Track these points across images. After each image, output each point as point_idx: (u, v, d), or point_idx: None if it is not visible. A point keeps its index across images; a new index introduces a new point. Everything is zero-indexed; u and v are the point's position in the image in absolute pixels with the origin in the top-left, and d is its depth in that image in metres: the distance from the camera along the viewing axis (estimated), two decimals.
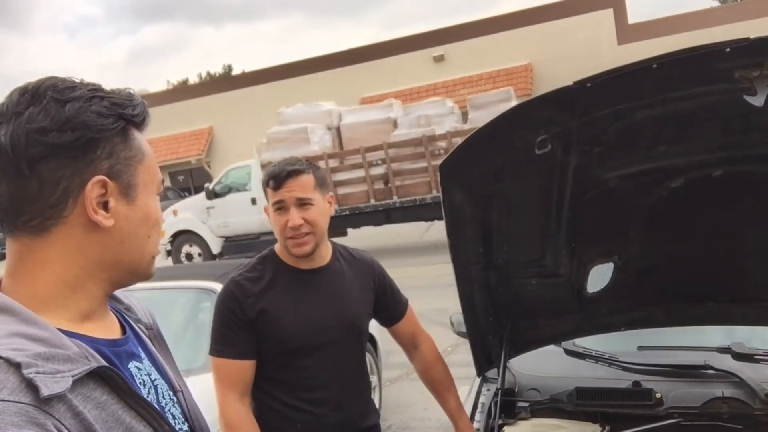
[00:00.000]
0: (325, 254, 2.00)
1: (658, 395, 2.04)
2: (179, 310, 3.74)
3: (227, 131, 25.50)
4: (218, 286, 3.37)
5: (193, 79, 48.02)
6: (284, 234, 1.88)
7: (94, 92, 0.88)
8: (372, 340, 4.80)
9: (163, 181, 1.02)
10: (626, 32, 21.29)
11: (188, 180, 27.00)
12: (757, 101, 1.46)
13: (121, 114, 0.89)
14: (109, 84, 0.93)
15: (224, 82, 29.27)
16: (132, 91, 0.94)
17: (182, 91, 29.11)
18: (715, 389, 2.01)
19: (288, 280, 1.93)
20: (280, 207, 1.88)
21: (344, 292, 1.99)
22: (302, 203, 1.87)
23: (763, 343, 2.28)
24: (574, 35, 21.36)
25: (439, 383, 2.14)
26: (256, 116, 24.75)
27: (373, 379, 4.76)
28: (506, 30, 22.16)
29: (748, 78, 1.46)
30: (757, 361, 2.13)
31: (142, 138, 0.96)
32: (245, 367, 1.87)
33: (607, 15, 21.44)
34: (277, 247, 2.00)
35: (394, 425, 4.66)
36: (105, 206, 0.88)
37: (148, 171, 0.95)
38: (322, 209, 1.93)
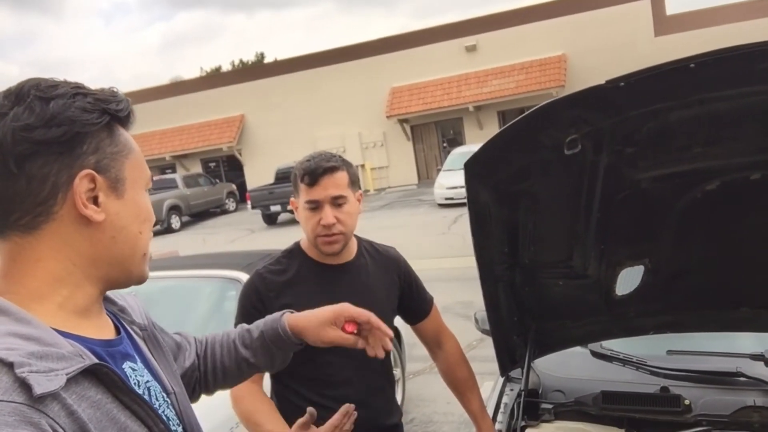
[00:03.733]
0: (351, 250, 1.99)
1: (686, 401, 1.99)
2: (205, 299, 3.77)
3: (258, 119, 25.70)
4: (244, 276, 3.39)
5: (226, 67, 48.45)
6: (315, 232, 1.86)
7: (77, 89, 0.89)
8: (396, 332, 4.79)
9: (152, 178, 1.02)
10: (664, 24, 20.84)
11: (219, 167, 27.29)
12: None
13: (105, 109, 0.90)
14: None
15: (256, 70, 29.42)
16: (115, 89, 0.95)
17: (215, 79, 29.36)
18: (747, 397, 1.95)
19: (313, 275, 1.92)
20: (315, 206, 1.85)
21: (369, 288, 1.96)
22: (336, 202, 1.85)
23: None
24: (610, 26, 20.98)
25: (463, 383, 2.12)
26: (286, 104, 24.91)
27: (397, 372, 4.76)
28: (540, 20, 21.85)
29: None
30: None
31: (128, 134, 0.96)
32: None
33: (644, 6, 21.00)
34: (303, 242, 1.98)
35: (416, 419, 4.66)
36: (95, 201, 0.89)
37: (135, 166, 0.95)
38: (354, 208, 1.91)
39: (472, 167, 1.77)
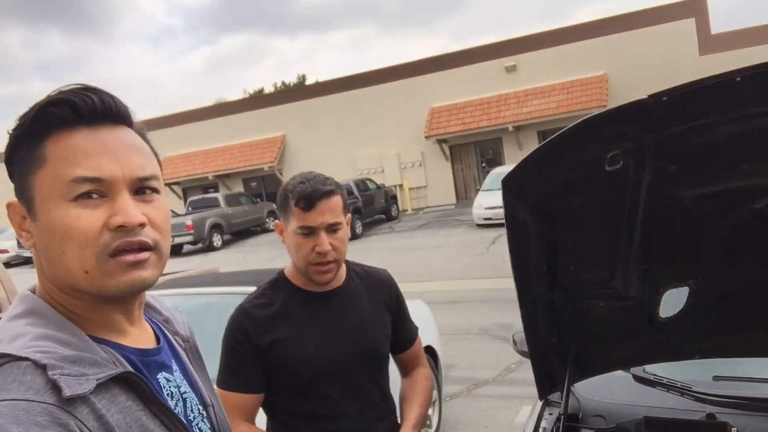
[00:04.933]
0: (341, 274, 1.88)
1: (734, 429, 1.91)
2: (220, 315, 3.80)
3: (299, 139, 26.06)
4: None
5: (269, 89, 49.40)
6: (308, 259, 1.74)
7: (31, 107, 0.87)
8: (433, 353, 4.74)
9: (87, 179, 0.84)
10: (709, 42, 20.45)
11: (261, 186, 27.69)
12: None
13: (12, 130, 0.88)
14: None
15: (297, 91, 29.91)
16: (52, 93, 0.87)
17: (257, 100, 29.97)
18: None
19: (301, 305, 1.81)
20: (309, 232, 1.73)
21: (361, 315, 1.86)
22: (332, 228, 1.74)
23: None
24: (653, 45, 20.68)
25: (415, 394, 1.98)
26: (326, 125, 25.21)
27: (434, 393, 4.70)
28: (581, 40, 21.68)
29: None
30: None
31: (68, 138, 0.85)
32: (252, 401, 1.78)
33: (688, 24, 20.66)
34: (288, 270, 1.87)
35: None
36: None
37: (46, 180, 0.85)
38: (347, 233, 1.81)
39: (510, 184, 1.74)
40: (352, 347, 1.81)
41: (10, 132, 0.88)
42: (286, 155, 26.48)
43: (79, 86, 0.88)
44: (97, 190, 0.85)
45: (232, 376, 1.78)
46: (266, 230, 23.50)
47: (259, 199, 25.33)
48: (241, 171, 26.59)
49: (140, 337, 0.96)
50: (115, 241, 0.85)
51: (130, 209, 0.85)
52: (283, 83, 50.99)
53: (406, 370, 2.06)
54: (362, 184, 20.50)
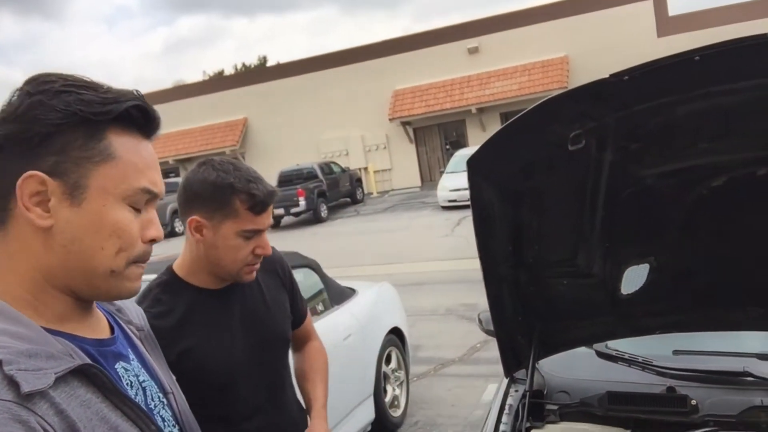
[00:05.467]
0: None
1: (693, 402, 1.96)
2: None
3: (261, 122, 25.75)
4: None
5: (229, 71, 48.57)
6: (246, 261, 1.62)
7: (68, 87, 0.86)
8: (399, 334, 4.77)
9: (149, 191, 0.91)
10: (666, 24, 20.81)
11: None
12: None
13: (78, 110, 0.85)
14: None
15: (259, 73, 29.48)
16: (129, 91, 0.90)
17: (218, 82, 29.45)
18: (754, 397, 1.92)
19: (203, 306, 1.65)
20: (252, 234, 1.61)
21: (265, 303, 1.76)
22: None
23: None
24: (612, 27, 20.94)
25: (315, 371, 1.92)
26: (289, 107, 24.94)
27: (401, 374, 4.73)
28: (542, 22, 21.83)
29: None
30: None
31: (129, 142, 0.90)
32: None
33: (646, 6, 20.97)
34: (180, 269, 1.69)
35: (420, 421, 4.63)
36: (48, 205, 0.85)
37: (112, 176, 0.87)
38: None
39: (474, 165, 1.74)
40: (263, 339, 1.73)
41: (66, 108, 0.84)
42: (249, 138, 26.15)
43: (138, 92, 0.91)
44: (147, 202, 0.92)
45: None
46: None
47: None
48: (203, 155, 26.09)
49: (95, 327, 0.94)
50: (144, 252, 0.92)
51: (159, 225, 0.94)
52: (244, 65, 50.20)
53: (298, 345, 1.98)
54: (327, 168, 20.38)
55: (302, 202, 17.80)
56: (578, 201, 1.87)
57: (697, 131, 1.63)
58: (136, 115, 0.89)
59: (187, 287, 1.66)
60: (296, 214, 18.39)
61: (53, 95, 0.84)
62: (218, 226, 1.59)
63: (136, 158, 0.90)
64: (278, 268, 1.86)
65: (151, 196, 0.92)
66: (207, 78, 41.79)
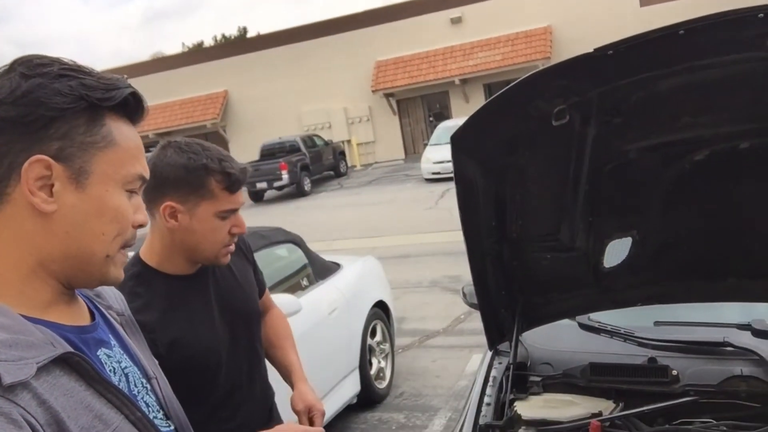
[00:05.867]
0: None
1: (674, 372, 1.99)
2: None
3: (242, 95, 25.44)
4: None
5: (208, 42, 47.78)
6: (224, 242, 1.60)
7: (67, 71, 0.84)
8: (384, 307, 4.80)
9: (142, 177, 0.94)
10: None
11: None
12: None
13: (84, 95, 0.84)
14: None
15: (239, 44, 29.03)
16: (119, 77, 0.90)
17: (197, 55, 28.96)
18: (734, 367, 1.96)
19: (181, 293, 1.62)
20: (228, 215, 1.58)
21: (237, 280, 1.75)
22: None
23: None
24: None
25: (282, 338, 1.93)
26: (270, 79, 24.65)
27: (386, 346, 4.77)
28: None
29: None
30: None
31: (123, 128, 0.90)
32: None
33: None
34: (149, 258, 1.63)
35: (406, 392, 4.69)
36: (51, 190, 0.84)
37: (113, 162, 0.88)
38: None
39: (458, 140, 1.73)
40: (240, 318, 1.72)
41: (71, 92, 0.83)
42: (229, 111, 25.85)
43: (126, 79, 0.92)
44: (137, 189, 0.94)
45: None
46: None
47: None
48: (183, 129, 25.82)
49: (75, 313, 0.92)
50: (132, 237, 0.94)
51: (145, 211, 0.96)
52: (224, 36, 49.35)
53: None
54: (309, 141, 20.24)
55: (285, 175, 17.69)
56: (562, 176, 1.87)
57: (680, 105, 1.63)
58: (132, 102, 0.91)
59: (161, 276, 1.62)
60: (279, 188, 18.30)
61: (54, 78, 0.83)
62: (194, 209, 1.54)
63: (131, 144, 0.91)
64: (240, 244, 1.82)
65: (143, 182, 0.94)
66: (186, 50, 41.09)
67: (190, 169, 1.52)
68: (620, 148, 1.77)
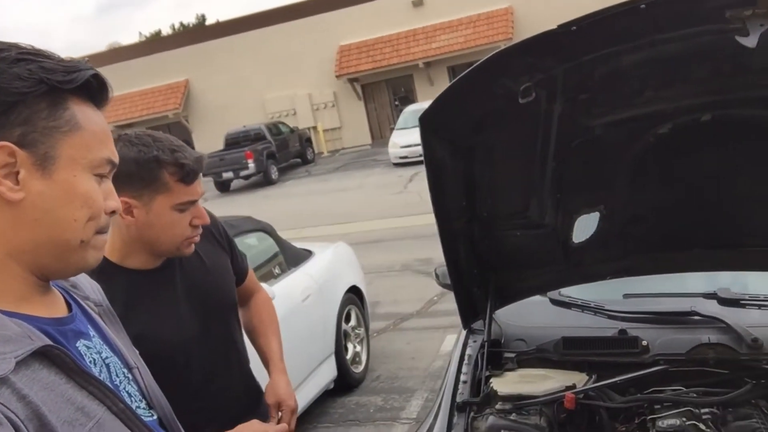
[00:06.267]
0: None
1: (644, 342, 2.03)
2: None
3: (204, 84, 25.03)
4: None
5: (166, 31, 46.80)
6: (185, 235, 1.56)
7: (24, 55, 0.82)
8: (358, 292, 4.80)
9: (111, 162, 0.92)
10: None
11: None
12: (749, 42, 1.39)
13: (44, 78, 0.82)
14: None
15: (198, 32, 28.51)
16: (79, 60, 0.88)
17: (155, 44, 28.36)
18: (702, 335, 2.00)
19: (144, 288, 1.58)
20: (186, 207, 1.54)
21: (206, 272, 1.70)
22: None
23: (747, 288, 2.28)
24: None
25: (266, 325, 1.92)
26: (232, 67, 24.28)
27: (361, 331, 4.79)
28: None
29: (739, 18, 1.39)
30: (743, 306, 2.13)
31: (88, 112, 0.88)
32: None
33: None
34: (110, 254, 1.56)
35: (382, 375, 4.71)
36: (16, 177, 0.81)
37: (79, 146, 0.86)
38: None
39: (426, 121, 1.73)
40: (210, 308, 1.68)
41: (30, 75, 0.81)
42: (191, 101, 25.43)
43: (80, 60, 0.90)
44: (107, 174, 0.92)
45: None
46: None
47: None
48: (144, 120, 25.32)
49: (52, 305, 0.90)
50: (106, 224, 0.92)
51: (117, 197, 0.94)
52: (182, 24, 48.44)
53: (244, 301, 1.93)
54: (274, 128, 20.04)
55: (251, 164, 17.51)
56: (529, 153, 1.89)
57: (643, 80, 1.65)
58: (95, 84, 0.89)
59: (123, 271, 1.57)
60: (246, 177, 18.11)
61: (12, 63, 0.80)
62: (149, 204, 1.50)
63: (96, 128, 0.89)
64: (213, 231, 1.78)
65: (112, 167, 0.93)
66: (144, 39, 40.19)
67: (141, 163, 1.47)
68: (586, 124, 1.78)
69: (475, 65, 1.59)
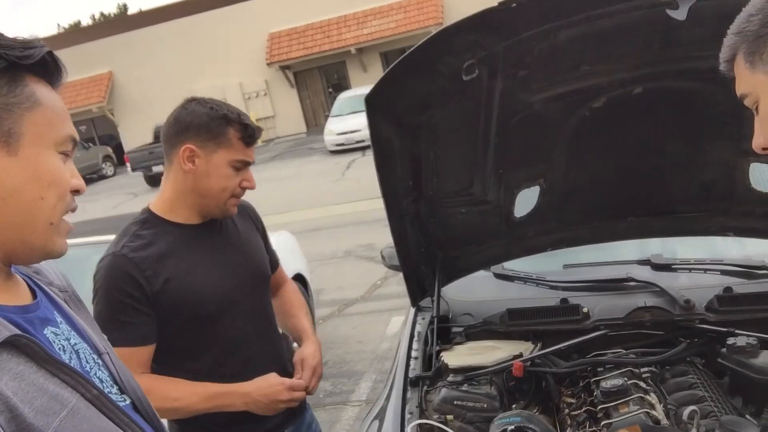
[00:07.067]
0: None
1: (584, 310, 2.11)
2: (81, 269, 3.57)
3: (129, 75, 24.16)
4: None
5: (86, 21, 44.86)
6: (233, 192, 1.70)
7: None
8: (303, 280, 4.78)
9: (74, 140, 0.91)
10: None
11: (91, 130, 25.55)
12: (679, 15, 1.47)
13: (2, 54, 0.81)
14: None
15: (120, 22, 27.47)
16: (32, 37, 0.87)
17: (75, 35, 27.14)
18: (638, 300, 2.10)
19: (185, 239, 1.71)
20: (242, 166, 1.70)
21: (243, 240, 1.85)
22: None
23: (677, 254, 2.41)
24: None
25: (297, 306, 2.06)
26: (158, 57, 23.52)
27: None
28: None
29: None
30: (674, 270, 2.25)
31: (45, 90, 0.87)
32: (147, 352, 1.65)
33: None
34: (157, 207, 1.74)
35: (330, 360, 4.72)
36: None
37: (43, 123, 0.85)
38: None
39: (372, 102, 1.74)
40: (245, 272, 1.80)
41: None
42: (116, 94, 24.52)
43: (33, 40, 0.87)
44: (70, 152, 0.89)
45: (121, 332, 1.58)
46: (103, 177, 21.95)
47: (91, 144, 23.45)
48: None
49: (15, 293, 0.87)
50: (72, 204, 0.90)
51: (80, 176, 0.92)
52: (102, 14, 46.53)
53: (275, 290, 2.06)
54: None
55: None
56: (472, 131, 1.93)
57: (579, 55, 1.71)
58: (50, 62, 0.87)
59: (168, 224, 1.71)
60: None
61: None
62: (211, 155, 1.65)
63: (57, 105, 0.88)
64: (250, 214, 1.95)
65: (74, 145, 0.91)
66: (62, 30, 38.36)
67: (212, 117, 1.65)
68: (526, 99, 1.84)
69: (419, 44, 1.61)
